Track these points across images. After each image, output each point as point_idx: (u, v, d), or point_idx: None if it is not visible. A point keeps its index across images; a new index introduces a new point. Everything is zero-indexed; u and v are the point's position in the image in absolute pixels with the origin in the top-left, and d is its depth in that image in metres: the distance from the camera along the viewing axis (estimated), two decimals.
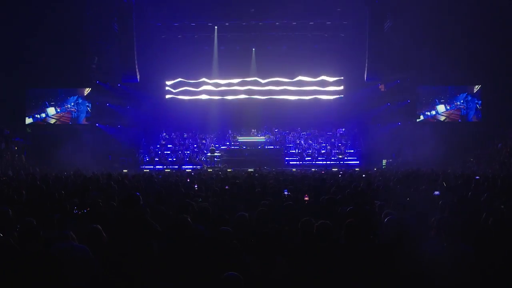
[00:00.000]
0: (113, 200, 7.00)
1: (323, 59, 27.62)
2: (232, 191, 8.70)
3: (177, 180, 12.72)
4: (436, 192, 7.71)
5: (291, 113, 28.21)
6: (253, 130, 28.06)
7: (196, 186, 10.13)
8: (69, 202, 6.28)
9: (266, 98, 29.22)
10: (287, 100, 29.09)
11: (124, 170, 20.54)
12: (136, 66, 24.17)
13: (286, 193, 8.14)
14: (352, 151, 26.87)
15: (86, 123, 26.62)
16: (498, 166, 20.09)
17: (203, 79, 29.25)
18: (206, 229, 5.18)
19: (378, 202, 6.77)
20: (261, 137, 27.47)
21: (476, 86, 26.60)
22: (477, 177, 11.85)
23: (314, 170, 19.10)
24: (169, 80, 29.34)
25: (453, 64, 22.85)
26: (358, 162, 25.27)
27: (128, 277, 4.13)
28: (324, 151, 26.49)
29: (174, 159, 26.24)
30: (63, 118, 26.68)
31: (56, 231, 4.66)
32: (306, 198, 7.36)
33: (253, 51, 28.79)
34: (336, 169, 20.41)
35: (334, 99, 29.05)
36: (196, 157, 26.15)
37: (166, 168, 22.86)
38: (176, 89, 29.45)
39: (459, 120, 26.71)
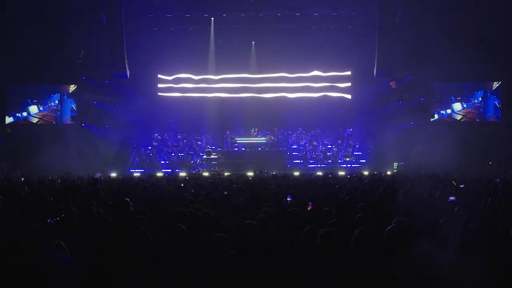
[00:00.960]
0: (99, 207, 7.02)
1: (329, 54, 27.63)
2: (231, 197, 8.72)
3: (170, 185, 12.73)
4: (452, 198, 7.71)
5: (294, 112, 28.18)
6: (252, 130, 28.08)
7: (192, 191, 10.15)
8: (55, 209, 6.30)
9: (267, 96, 29.24)
10: (289, 97, 29.12)
11: (112, 174, 20.54)
12: (126, 61, 24.20)
13: (288, 199, 8.17)
14: (361, 153, 26.88)
15: (71, 122, 26.65)
16: None
17: (199, 75, 29.28)
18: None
19: (389, 208, 6.79)
20: (262, 138, 27.49)
21: (495, 83, 26.62)
22: (497, 180, 11.86)
23: (319, 175, 19.10)
24: (161, 76, 29.37)
25: (470, 59, 22.85)
26: (367, 165, 25.24)
27: None
28: (330, 153, 26.51)
29: (167, 162, 26.24)
30: (46, 117, 26.71)
31: (42, 240, 4.67)
32: (310, 206, 7.37)
33: (253, 45, 28.82)
34: (344, 173, 20.42)
35: (341, 97, 29.06)
36: (191, 160, 26.15)
37: (158, 172, 22.86)
38: (169, 86, 29.48)
39: (477, 120, 26.74)
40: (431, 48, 23.02)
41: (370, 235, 4.49)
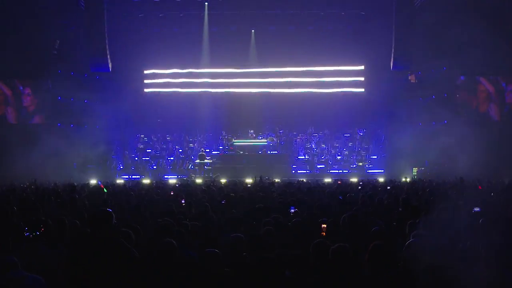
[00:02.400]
0: (78, 218, 7.02)
1: (340, 44, 27.65)
2: (227, 208, 8.73)
3: (158, 193, 12.73)
4: (476, 209, 7.74)
5: (300, 111, 28.23)
6: (252, 131, 28.11)
7: (183, 202, 10.16)
8: (23, 221, 6.30)
9: (269, 92, 29.28)
10: (294, 94, 29.15)
11: (92, 181, 20.53)
12: (108, 52, 24.18)
13: (292, 210, 8.18)
14: (376, 157, 26.89)
15: (44, 122, 26.62)
16: None
17: (191, 68, 29.31)
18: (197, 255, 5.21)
19: (409, 221, 6.80)
20: (262, 140, 27.52)
21: None
22: None
23: (328, 182, 19.11)
24: (148, 69, 29.39)
25: (502, 49, 22.78)
26: (382, 170, 25.29)
27: None
28: (340, 157, 26.51)
29: (155, 167, 26.24)
30: (15, 116, 26.68)
31: (4, 256, 4.66)
32: (324, 226, 7.31)
33: (253, 34, 28.87)
34: (356, 180, 20.43)
35: (353, 93, 29.10)
36: (182, 165, 26.16)
37: (145, 179, 22.87)
38: (158, 81, 29.50)
39: None
40: (456, 37, 22.96)
41: (386, 251, 4.49)
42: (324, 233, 6.91)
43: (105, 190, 13.66)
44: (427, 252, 4.50)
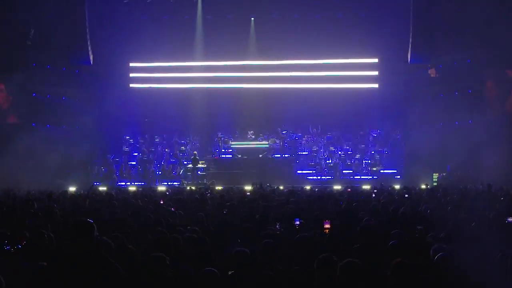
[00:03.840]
0: (56, 229, 7.03)
1: (350, 34, 27.61)
2: (223, 218, 8.74)
3: (146, 202, 12.73)
4: (510, 219, 7.78)
5: (305, 109, 28.20)
6: (251, 132, 28.09)
7: (174, 210, 10.17)
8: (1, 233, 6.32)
9: (270, 88, 29.29)
10: (299, 90, 29.17)
11: (71, 188, 20.52)
12: (89, 43, 24.23)
13: (297, 222, 8.18)
14: (391, 161, 26.87)
15: (17, 121, 26.60)
16: None
17: (182, 61, 29.32)
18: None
19: (429, 233, 6.82)
20: (263, 142, 27.50)
21: None
22: None
23: (337, 189, 19.12)
24: (135, 62, 29.40)
25: None
26: (398, 176, 25.27)
27: None
28: (351, 161, 26.49)
29: (142, 172, 26.21)
30: None
31: None
32: (327, 226, 7.36)
33: (252, 22, 28.90)
34: (369, 187, 20.41)
35: (365, 89, 29.10)
36: (173, 170, 26.14)
37: (131, 185, 22.86)
38: (145, 75, 29.50)
39: None
40: (481, 25, 22.96)
41: (412, 270, 4.46)
42: (327, 231, 6.97)
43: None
44: (459, 269, 4.49)
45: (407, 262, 4.54)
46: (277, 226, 8.23)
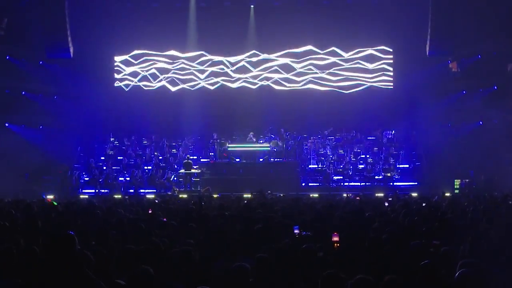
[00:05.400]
0: (33, 242, 7.05)
1: (361, 23, 27.65)
2: (219, 229, 8.75)
3: (133, 211, 12.74)
4: None
5: (311, 107, 28.19)
6: (251, 133, 28.06)
7: (164, 221, 10.19)
8: None
9: (272, 84, 29.32)
10: (303, 86, 29.19)
11: (49, 196, 20.53)
12: (69, 34, 24.23)
13: (296, 231, 8.19)
14: (407, 166, 26.87)
15: None
16: None
17: (172, 51, 29.34)
18: None
19: (448, 247, 6.84)
20: (264, 145, 27.48)
21: None
22: None
23: (346, 196, 19.15)
24: (120, 55, 29.43)
25: None
26: (416, 183, 25.28)
27: None
28: (363, 166, 26.49)
29: (128, 178, 26.21)
30: None
31: None
32: (336, 239, 7.39)
33: (252, 10, 28.93)
34: (382, 195, 20.43)
35: (378, 85, 29.10)
36: (163, 176, 26.15)
37: (116, 193, 22.86)
38: (131, 70, 29.53)
39: None
40: (509, 13, 22.98)
41: None
42: (336, 245, 6.98)
43: (54, 203, 13.67)
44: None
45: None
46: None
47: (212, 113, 28.36)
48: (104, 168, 26.72)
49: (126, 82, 29.52)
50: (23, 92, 26.99)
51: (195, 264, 6.44)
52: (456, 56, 26.71)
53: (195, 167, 25.65)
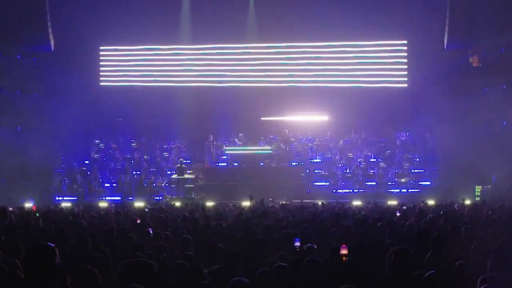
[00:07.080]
0: (11, 255, 7.07)
1: (372, 12, 27.66)
2: (214, 240, 8.78)
3: (119, 221, 12.76)
4: None
5: (317, 106, 28.17)
6: (240, 134, 27.98)
7: (150, 231, 10.20)
8: None
9: (273, 80, 29.34)
10: (308, 82, 29.19)
11: (27, 204, 20.54)
12: (49, 25, 24.26)
13: (297, 244, 8.20)
14: (423, 171, 26.86)
15: None
16: None
17: (165, 45, 29.37)
18: None
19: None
20: (265, 147, 27.47)
21: None
22: None
23: (356, 205, 19.17)
24: (106, 47, 29.44)
25: None
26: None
27: None
28: (374, 171, 26.48)
29: (114, 184, 26.20)
30: None
31: None
32: (344, 252, 7.42)
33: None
34: (396, 202, 20.43)
35: (391, 82, 29.10)
36: (153, 182, 26.15)
37: (101, 201, 22.87)
38: (118, 65, 29.53)
39: None
40: None
41: None
42: (344, 259, 7.01)
43: (37, 214, 13.70)
44: None
45: None
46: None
47: (207, 112, 28.31)
48: (89, 173, 26.73)
49: (113, 78, 29.51)
50: None
51: (189, 279, 6.45)
52: (477, 49, 26.72)
53: (189, 172, 25.64)
